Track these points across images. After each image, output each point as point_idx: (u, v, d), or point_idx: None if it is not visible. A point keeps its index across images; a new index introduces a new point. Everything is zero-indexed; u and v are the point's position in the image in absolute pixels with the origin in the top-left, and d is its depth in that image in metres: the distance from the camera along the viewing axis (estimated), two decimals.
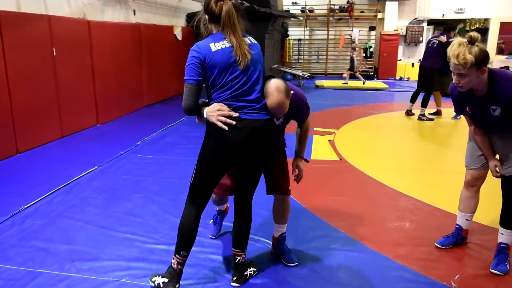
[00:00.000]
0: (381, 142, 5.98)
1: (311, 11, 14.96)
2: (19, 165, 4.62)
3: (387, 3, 14.07)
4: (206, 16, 2.11)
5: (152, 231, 3.04)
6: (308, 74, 13.22)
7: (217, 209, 2.95)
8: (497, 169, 2.47)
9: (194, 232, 2.23)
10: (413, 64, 13.91)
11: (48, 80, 5.46)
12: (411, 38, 14.26)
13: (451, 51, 2.21)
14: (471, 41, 2.18)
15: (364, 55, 14.70)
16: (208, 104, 2.13)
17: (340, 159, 4.87)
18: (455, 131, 6.66)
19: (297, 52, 15.52)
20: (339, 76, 14.67)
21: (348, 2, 14.46)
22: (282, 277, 2.49)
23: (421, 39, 14.16)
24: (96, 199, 3.64)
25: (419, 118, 7.17)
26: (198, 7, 11.39)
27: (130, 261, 2.63)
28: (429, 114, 7.42)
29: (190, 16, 11.40)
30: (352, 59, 12.34)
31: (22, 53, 4.92)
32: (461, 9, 13.79)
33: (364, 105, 8.99)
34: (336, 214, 3.37)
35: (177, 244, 2.23)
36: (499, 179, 2.52)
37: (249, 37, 2.16)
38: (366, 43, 14.67)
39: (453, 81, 2.30)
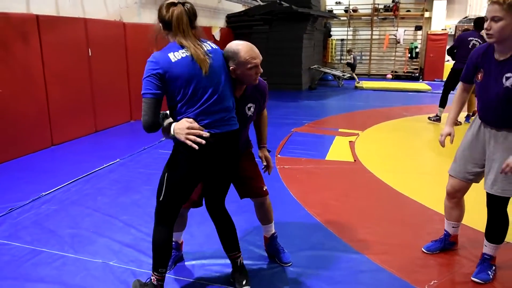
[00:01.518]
0: (402, 145, 5.80)
1: (354, 10, 14.72)
2: (51, 156, 5.04)
3: (435, 2, 13.53)
4: (161, 25, 1.99)
5: (150, 220, 3.19)
6: (349, 75, 13.02)
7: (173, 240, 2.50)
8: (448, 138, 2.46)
9: (169, 248, 2.18)
10: None
11: (84, 79, 5.88)
12: None
13: None
14: None
15: (409, 55, 14.24)
16: (172, 117, 2.01)
17: (355, 160, 4.83)
18: None
19: (339, 53, 15.33)
20: (382, 77, 14.33)
21: (393, 1, 14.07)
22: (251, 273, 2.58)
23: None
24: (109, 190, 3.91)
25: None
26: (238, 8, 11.64)
27: (122, 246, 2.84)
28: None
29: (230, 17, 11.67)
30: (354, 59, 12.76)
31: (58, 53, 5.35)
32: None
33: (400, 106, 8.76)
34: (332, 214, 3.38)
35: (154, 262, 2.17)
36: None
37: (208, 43, 2.06)
38: (412, 43, 14.18)
39: (485, 27, 2.08)
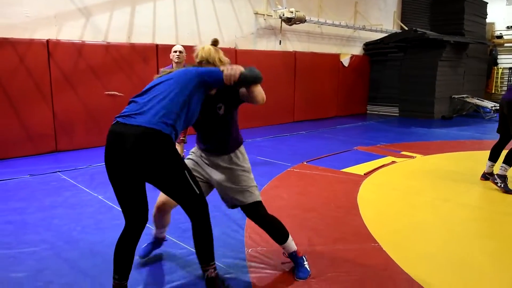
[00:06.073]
0: (430, 175, 5.45)
1: None
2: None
3: None
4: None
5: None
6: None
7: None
8: None
9: (125, 256, 2.13)
10: None
11: None
12: None
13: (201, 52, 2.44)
14: (214, 44, 2.51)
15: None
16: None
17: (364, 174, 5.06)
18: None
19: (507, 83, 13.60)
20: None
21: None
22: None
23: None
24: None
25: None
26: (377, 35, 12.03)
27: None
28: None
29: (368, 45, 12.15)
30: None
31: None
32: None
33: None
34: (266, 204, 4.03)
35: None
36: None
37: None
38: None
39: None
